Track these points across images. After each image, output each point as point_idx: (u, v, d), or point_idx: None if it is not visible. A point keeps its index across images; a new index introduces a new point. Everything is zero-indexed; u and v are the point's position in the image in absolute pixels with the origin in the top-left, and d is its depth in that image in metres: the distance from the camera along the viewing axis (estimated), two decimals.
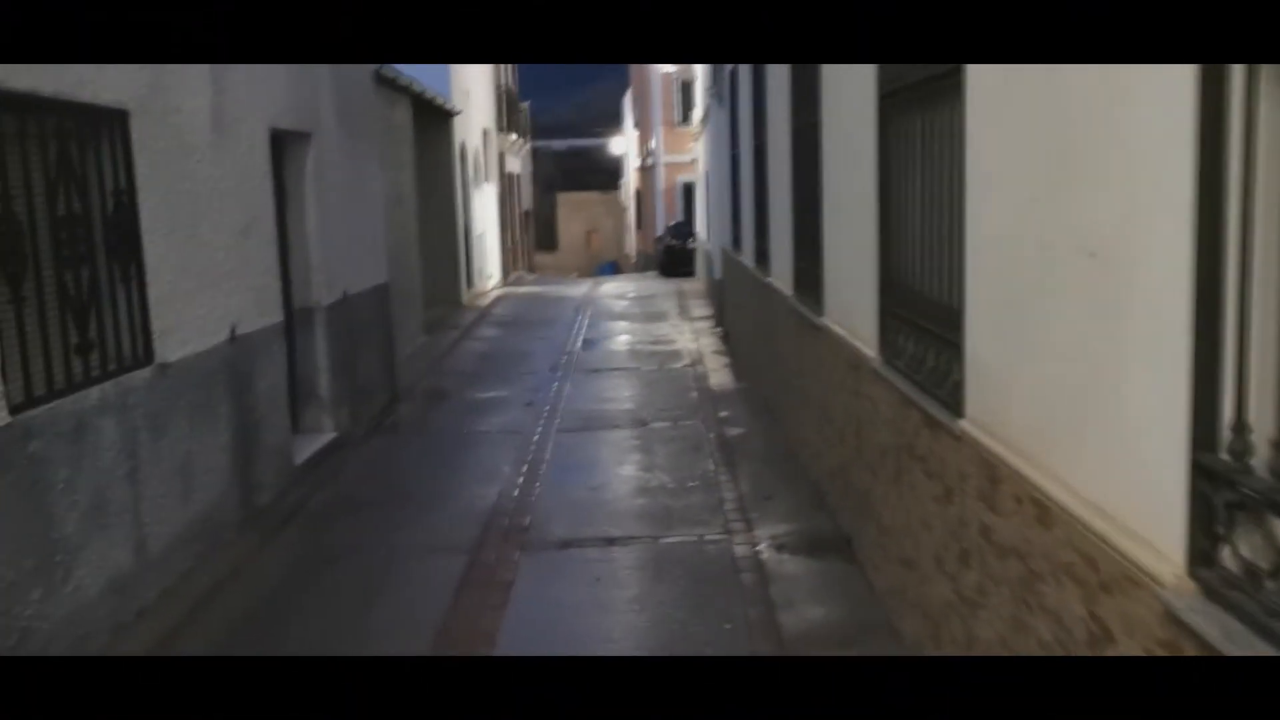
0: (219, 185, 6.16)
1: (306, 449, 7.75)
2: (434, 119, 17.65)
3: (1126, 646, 2.38)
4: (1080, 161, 2.58)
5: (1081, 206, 2.57)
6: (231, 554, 5.99)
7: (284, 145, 7.71)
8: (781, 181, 7.91)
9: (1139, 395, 2.34)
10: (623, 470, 7.73)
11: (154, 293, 5.36)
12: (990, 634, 3.31)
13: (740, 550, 5.90)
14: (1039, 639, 2.90)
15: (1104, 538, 2.43)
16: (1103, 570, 2.45)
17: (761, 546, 5.91)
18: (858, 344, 5.35)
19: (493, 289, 23.03)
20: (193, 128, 5.84)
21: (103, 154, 5.00)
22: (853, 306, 5.51)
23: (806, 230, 6.89)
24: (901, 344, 4.52)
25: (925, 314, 4.12)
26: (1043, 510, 2.81)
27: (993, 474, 3.22)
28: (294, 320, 7.91)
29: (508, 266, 26.63)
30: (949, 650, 3.83)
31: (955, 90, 3.54)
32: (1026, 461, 2.95)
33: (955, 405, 3.65)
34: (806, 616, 4.97)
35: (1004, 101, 3.09)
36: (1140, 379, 2.33)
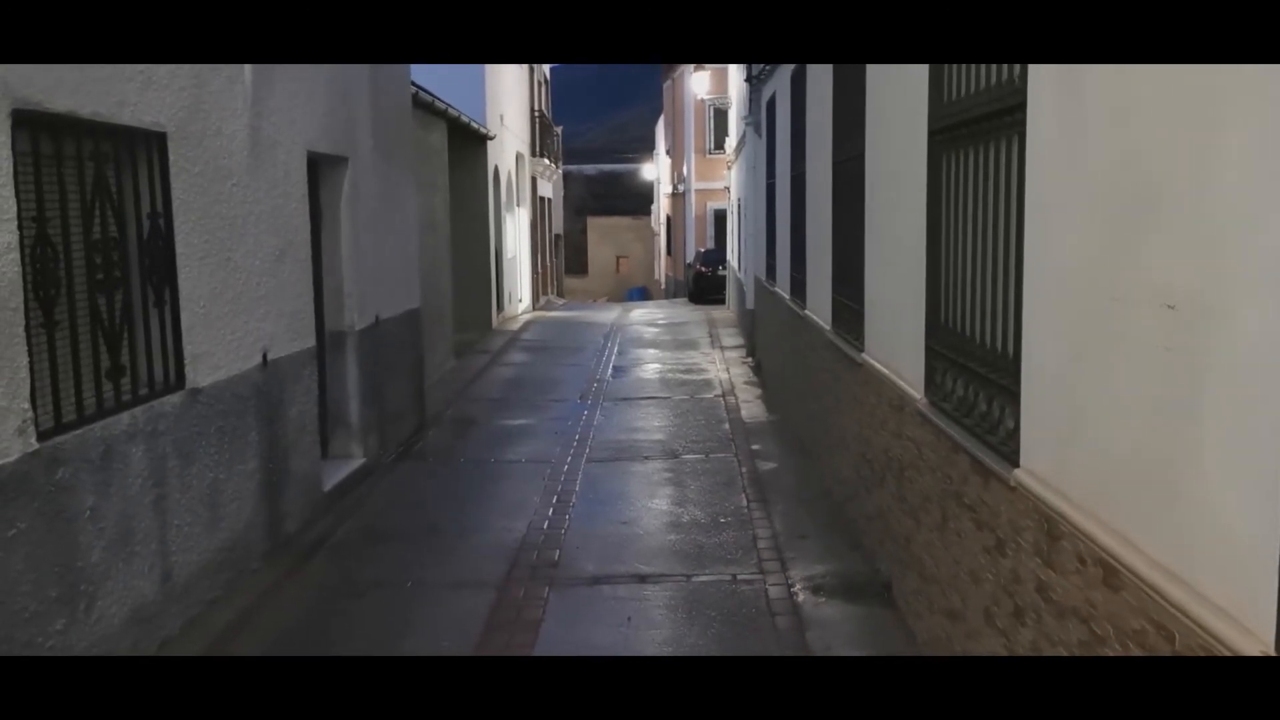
0: (255, 209, 6.11)
1: (334, 475, 7.67)
2: (468, 143, 17.68)
3: None
4: (1160, 205, 2.45)
5: (1160, 255, 2.43)
6: (257, 585, 5.90)
7: (320, 168, 7.67)
8: (821, 213, 7.80)
9: (1223, 460, 2.20)
10: (653, 504, 7.60)
11: (187, 317, 5.30)
12: None
13: (775, 591, 5.75)
14: None
15: (1181, 607, 2.29)
16: (1179, 641, 2.31)
17: (797, 588, 5.76)
18: (901, 383, 5.21)
19: (523, 313, 23.01)
20: (230, 150, 5.79)
21: (140, 177, 4.96)
22: (896, 344, 5.38)
23: (847, 264, 6.77)
24: (949, 386, 4.38)
25: (976, 357, 3.98)
26: (1110, 572, 2.66)
27: (1051, 529, 3.07)
28: (325, 344, 7.85)
29: (538, 290, 26.63)
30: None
31: (1016, 126, 3.42)
32: (1091, 519, 2.81)
33: (1009, 454, 3.51)
34: None
35: (1071, 139, 2.97)
36: (1225, 442, 2.19)
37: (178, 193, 5.22)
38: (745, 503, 7.53)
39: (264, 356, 6.24)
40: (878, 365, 5.80)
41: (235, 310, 5.87)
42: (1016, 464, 3.43)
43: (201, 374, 5.44)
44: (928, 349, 4.68)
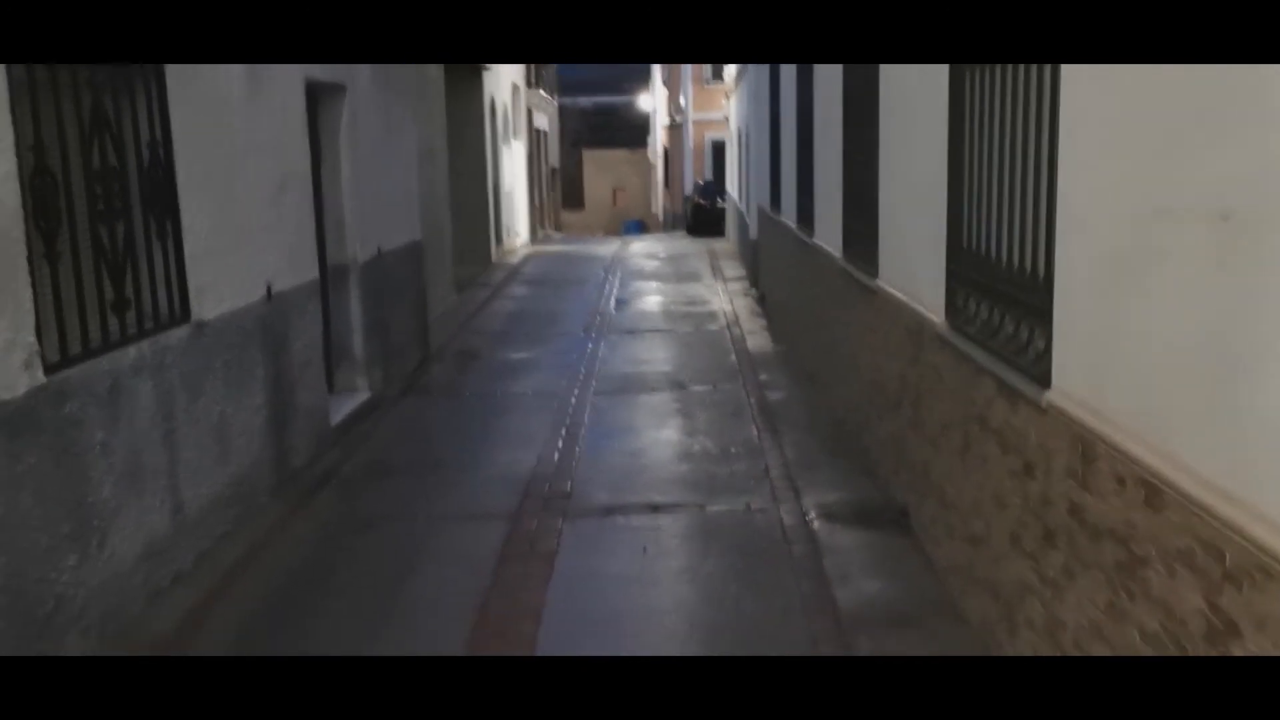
0: (254, 138, 5.98)
1: (341, 410, 7.61)
2: (465, 73, 17.39)
3: (1256, 642, 2.18)
4: (1218, 110, 2.34)
5: (1216, 163, 2.33)
6: (267, 519, 5.86)
7: (318, 98, 7.51)
8: (831, 138, 7.64)
9: None
10: (663, 435, 7.55)
11: (190, 249, 5.19)
12: (1078, 619, 3.12)
13: (789, 520, 5.72)
14: (1141, 628, 2.70)
15: (1235, 526, 2.22)
16: (1230, 560, 2.25)
17: (811, 516, 5.73)
18: (918, 308, 5.13)
19: (521, 247, 22.84)
20: (229, 79, 5.65)
21: (138, 106, 4.82)
22: (914, 269, 5.28)
23: (860, 189, 6.64)
24: (972, 309, 4.29)
25: (1002, 279, 3.89)
26: (1153, 492, 2.60)
27: (1087, 450, 3.01)
28: (328, 278, 7.75)
29: (535, 224, 26.42)
30: (1023, 632, 3.64)
31: None
32: (1132, 439, 2.74)
33: (1040, 376, 3.43)
34: (863, 592, 4.78)
35: None
36: None
37: (177, 122, 5.08)
38: (755, 432, 7.49)
39: (268, 289, 6.14)
40: (893, 291, 5.71)
41: (238, 242, 5.76)
42: (1048, 385, 3.35)
43: (206, 307, 5.34)
44: (949, 273, 4.58)
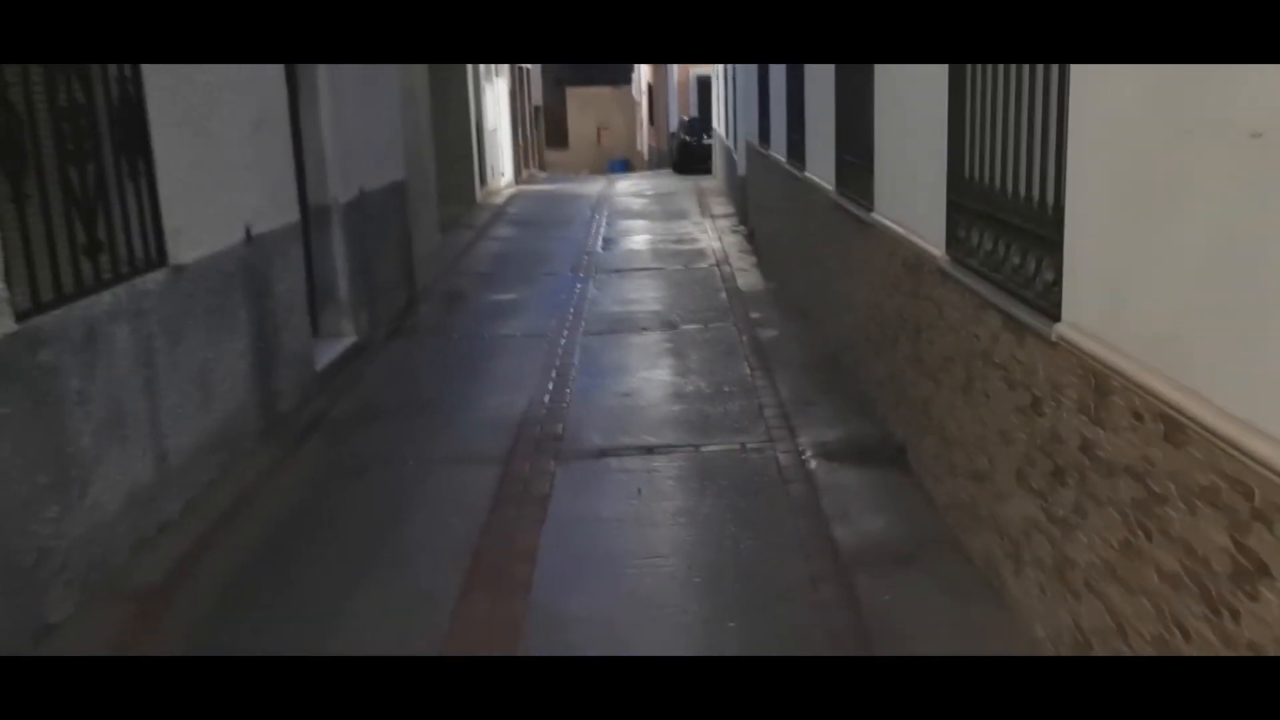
0: (229, 75, 5.77)
1: (327, 354, 7.47)
2: None
3: None
4: None
5: (1245, 78, 2.20)
6: (255, 465, 5.74)
7: None
8: (823, 69, 7.45)
9: None
10: (655, 375, 7.44)
11: (165, 190, 5.02)
12: (1090, 558, 3.04)
13: (785, 459, 5.63)
14: (1159, 567, 2.62)
15: (1265, 461, 2.12)
16: (1260, 497, 2.15)
17: (808, 455, 5.64)
18: (917, 240, 5.00)
19: (506, 187, 22.55)
20: None
21: None
22: (912, 201, 5.14)
23: (854, 121, 6.48)
24: (975, 241, 4.17)
25: (1007, 208, 3.76)
26: (1173, 427, 2.50)
27: (1100, 385, 2.90)
28: (310, 219, 7.57)
29: (520, 164, 26.09)
30: (1029, 571, 3.57)
31: None
32: (1149, 372, 2.63)
33: (1048, 309, 3.32)
34: (862, 530, 4.71)
35: None
36: None
37: None
38: (748, 371, 7.38)
39: (248, 231, 5.97)
40: (890, 224, 5.57)
41: (215, 183, 5.58)
42: (1057, 318, 3.24)
43: (184, 250, 5.18)
44: (950, 203, 4.45)
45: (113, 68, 4.66)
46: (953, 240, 4.43)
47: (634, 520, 5.00)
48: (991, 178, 3.93)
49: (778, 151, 10.51)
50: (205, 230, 5.44)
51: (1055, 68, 3.24)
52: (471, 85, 18.65)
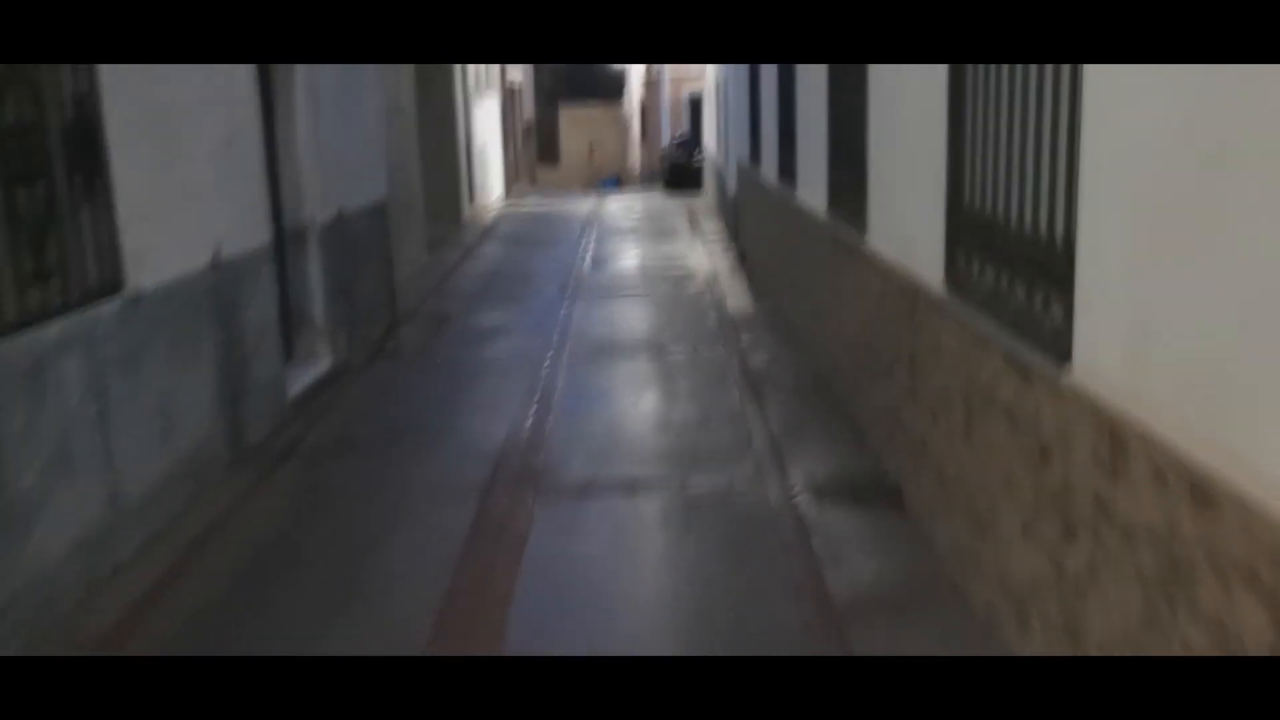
0: (198, 91, 5.53)
1: (301, 380, 7.21)
2: None
3: None
4: None
5: None
6: (219, 500, 5.48)
7: None
8: (815, 87, 7.23)
9: None
10: (641, 403, 7.19)
11: (123, 212, 4.77)
12: (1106, 625, 2.79)
13: (775, 496, 5.38)
14: (1185, 642, 2.37)
15: None
16: None
17: (798, 492, 5.39)
18: (913, 270, 4.77)
19: (495, 204, 22.33)
20: None
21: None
22: (908, 229, 4.91)
23: (847, 144, 6.25)
24: (975, 273, 3.93)
25: (1011, 240, 3.53)
26: (1202, 491, 2.26)
27: (1118, 438, 2.66)
28: (285, 240, 7.32)
29: (510, 181, 25.88)
30: (1036, 629, 3.32)
31: None
32: (1174, 428, 2.39)
33: (1058, 350, 3.08)
34: (857, 576, 4.45)
35: None
36: None
37: (106, 72, 4.63)
38: (738, 399, 7.14)
39: (215, 254, 5.72)
40: (884, 251, 5.34)
41: (180, 204, 5.33)
42: (1068, 362, 3.00)
43: (144, 275, 4.93)
44: (949, 233, 4.22)
45: (67, 83, 4.41)
46: (951, 270, 4.20)
47: (615, 562, 4.74)
48: (994, 205, 3.70)
49: (769, 172, 10.30)
50: (168, 254, 5.19)
51: (1066, 86, 3.01)
52: (461, 101, 18.42)
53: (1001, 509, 3.60)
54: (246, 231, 6.17)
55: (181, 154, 5.34)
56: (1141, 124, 2.56)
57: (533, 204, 23.71)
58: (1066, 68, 3.00)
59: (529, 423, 6.76)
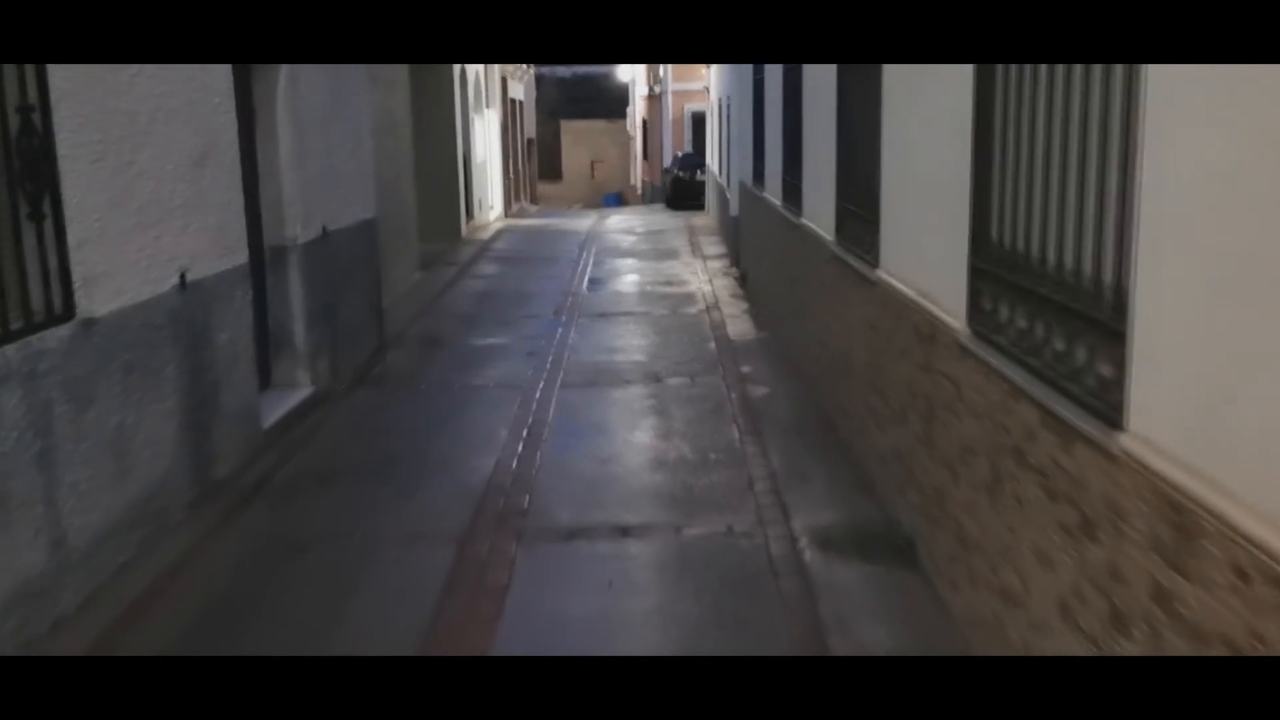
0: (165, 103, 5.17)
1: (277, 408, 6.82)
2: None
3: None
4: None
5: None
6: (179, 542, 5.09)
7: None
8: (824, 104, 6.86)
9: None
10: (635, 438, 6.80)
11: (76, 233, 4.39)
12: None
13: (777, 546, 4.99)
14: None
15: None
16: None
17: (802, 542, 5.00)
18: (932, 307, 4.39)
19: (494, 221, 21.99)
20: None
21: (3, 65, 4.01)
22: (925, 261, 4.54)
23: (857, 166, 5.88)
24: (1004, 315, 3.55)
25: (1048, 281, 3.15)
26: None
27: (1186, 522, 2.28)
28: (265, 261, 6.95)
29: (510, 197, 25.56)
30: None
31: None
32: (1260, 519, 2.01)
33: (1105, 410, 2.70)
34: (865, 643, 4.06)
35: None
36: None
37: (57, 82, 4.26)
38: (737, 435, 6.75)
39: (182, 277, 5.34)
40: (897, 284, 4.97)
41: (141, 224, 4.95)
42: (1118, 424, 2.61)
43: (98, 300, 4.55)
44: (972, 269, 3.84)
45: (13, 95, 4.05)
46: (975, 311, 3.82)
47: (602, 620, 4.35)
48: (1027, 243, 3.33)
49: (772, 193, 9.93)
50: (127, 277, 4.81)
51: (1118, 109, 2.63)
52: (459, 116, 18.10)
53: (1034, 583, 3.21)
54: (219, 252, 5.80)
55: (145, 172, 4.96)
56: (1217, 144, 2.18)
57: (532, 221, 23.39)
58: (1119, 69, 2.62)
59: (516, 458, 6.37)
